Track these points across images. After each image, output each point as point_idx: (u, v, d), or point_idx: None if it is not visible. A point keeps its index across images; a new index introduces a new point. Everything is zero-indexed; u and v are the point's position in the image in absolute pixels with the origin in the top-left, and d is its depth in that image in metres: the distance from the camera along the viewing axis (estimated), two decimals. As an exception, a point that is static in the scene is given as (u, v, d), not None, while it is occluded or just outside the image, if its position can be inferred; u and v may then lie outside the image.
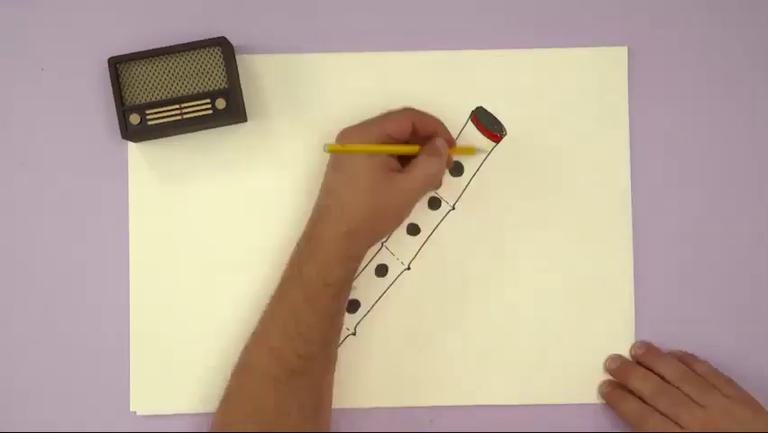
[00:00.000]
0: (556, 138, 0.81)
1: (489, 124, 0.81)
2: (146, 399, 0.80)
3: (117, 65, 0.78)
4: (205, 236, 0.81)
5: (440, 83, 0.81)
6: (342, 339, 0.81)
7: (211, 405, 0.78)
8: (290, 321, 0.72)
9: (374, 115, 0.76)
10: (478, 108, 0.81)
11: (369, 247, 0.75)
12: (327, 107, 0.81)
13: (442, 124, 0.77)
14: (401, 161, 0.76)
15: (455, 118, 0.81)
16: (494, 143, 0.81)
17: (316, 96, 0.81)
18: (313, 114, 0.81)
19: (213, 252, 0.81)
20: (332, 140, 0.76)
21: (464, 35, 0.82)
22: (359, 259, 0.75)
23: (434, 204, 0.81)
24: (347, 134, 0.74)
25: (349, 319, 0.81)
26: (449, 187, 0.81)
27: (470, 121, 0.81)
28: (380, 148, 0.73)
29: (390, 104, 0.79)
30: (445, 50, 0.81)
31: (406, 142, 0.75)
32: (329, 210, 0.73)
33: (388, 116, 0.75)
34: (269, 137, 0.81)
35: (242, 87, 0.80)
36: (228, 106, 0.78)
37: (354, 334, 0.82)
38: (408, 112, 0.75)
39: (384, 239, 0.79)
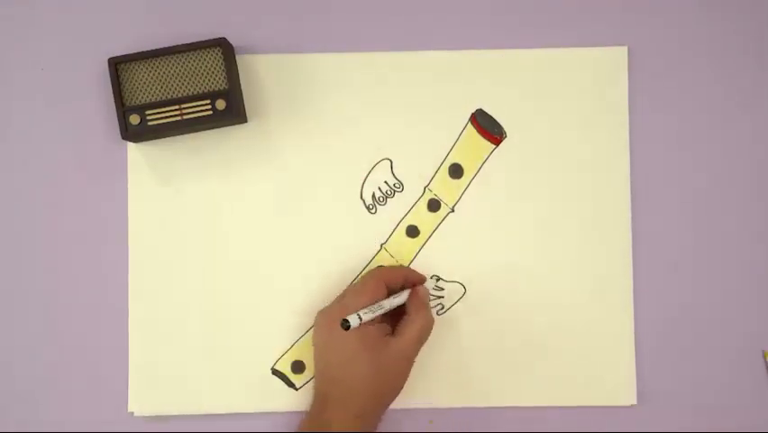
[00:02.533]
0: (556, 138, 0.81)
1: (488, 127, 0.80)
2: (144, 400, 0.80)
3: (117, 65, 0.77)
4: (204, 237, 0.81)
5: (440, 83, 0.81)
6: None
7: (209, 407, 0.79)
8: None
9: (363, 280, 0.77)
10: (478, 111, 0.81)
11: (381, 417, 0.74)
12: (327, 108, 0.81)
13: (410, 270, 0.78)
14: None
15: (455, 119, 0.81)
16: (493, 146, 0.81)
17: (316, 96, 0.81)
18: (313, 114, 0.81)
19: (212, 252, 0.80)
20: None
21: (464, 35, 0.81)
22: (373, 429, 0.74)
23: (434, 206, 0.81)
24: (330, 316, 0.73)
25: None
26: (448, 189, 0.81)
27: (469, 123, 0.81)
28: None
29: (391, 103, 0.81)
30: (445, 51, 0.81)
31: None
32: (334, 395, 0.71)
33: (364, 288, 0.74)
34: (269, 138, 0.81)
35: (242, 87, 0.80)
36: (228, 107, 0.77)
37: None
38: (377, 275, 0.75)
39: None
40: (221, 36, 0.78)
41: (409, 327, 0.72)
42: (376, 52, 0.81)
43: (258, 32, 0.81)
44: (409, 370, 0.73)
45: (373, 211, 0.81)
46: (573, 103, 0.81)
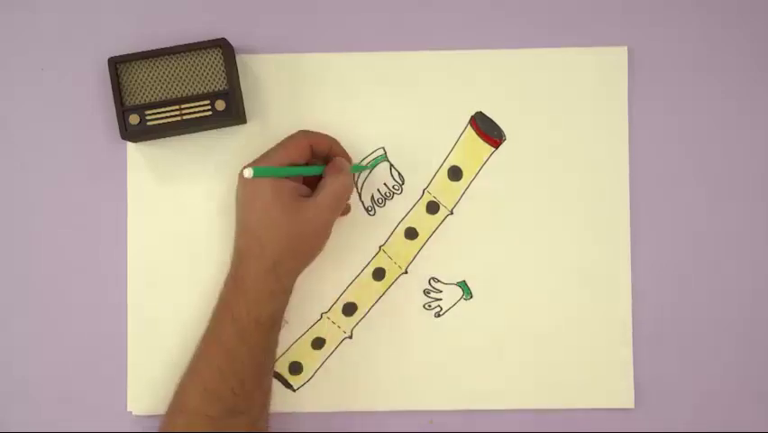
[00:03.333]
0: (555, 140, 0.80)
1: (488, 129, 0.80)
2: (143, 399, 0.80)
3: (117, 65, 0.77)
4: (203, 238, 0.80)
5: (440, 83, 0.80)
6: (338, 342, 0.81)
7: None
8: (224, 361, 0.71)
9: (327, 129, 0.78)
10: (477, 113, 0.80)
11: (296, 277, 0.74)
12: (328, 108, 0.81)
13: (337, 143, 0.78)
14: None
15: (454, 121, 0.81)
16: (493, 148, 0.80)
17: (317, 96, 0.80)
18: (313, 115, 0.81)
19: (211, 253, 0.80)
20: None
21: (464, 35, 0.81)
22: (288, 291, 0.74)
23: (432, 208, 0.80)
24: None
25: (345, 322, 0.81)
26: (447, 191, 0.80)
27: (469, 126, 0.80)
28: (292, 170, 0.73)
29: (391, 104, 0.81)
30: (445, 51, 0.81)
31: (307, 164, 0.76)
32: (249, 248, 0.72)
33: (288, 143, 0.75)
34: (269, 139, 0.79)
35: (242, 87, 0.80)
36: (228, 108, 0.77)
37: (351, 337, 0.81)
38: (304, 134, 0.76)
39: (308, 262, 0.76)
40: (221, 36, 0.77)
41: (324, 189, 0.72)
42: (376, 52, 0.81)
43: (258, 33, 0.81)
44: (325, 234, 0.74)
45: (372, 213, 0.81)
46: (573, 103, 0.80)
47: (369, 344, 0.80)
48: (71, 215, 0.81)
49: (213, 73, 0.78)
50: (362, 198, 0.81)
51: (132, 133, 0.78)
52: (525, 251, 0.80)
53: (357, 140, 0.80)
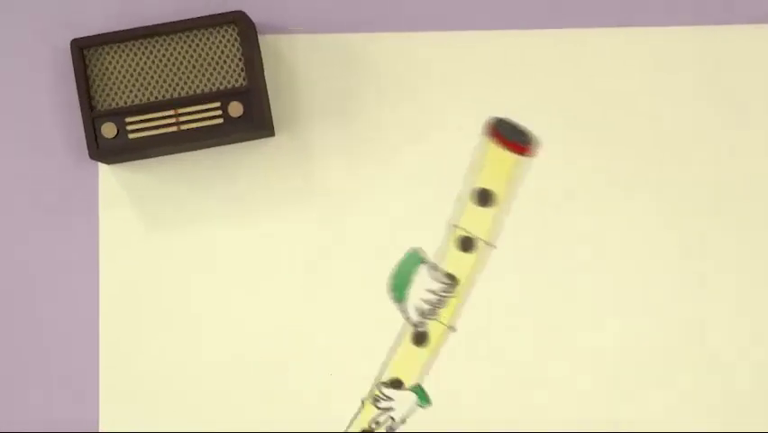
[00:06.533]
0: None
1: (511, 135, 0.71)
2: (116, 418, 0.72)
3: (84, 51, 0.69)
4: (196, 296, 0.71)
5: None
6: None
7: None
8: None
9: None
10: (494, 119, 0.71)
11: None
12: (390, 113, 0.70)
13: None
14: None
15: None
16: (519, 156, 0.71)
17: (375, 92, 0.71)
18: (370, 123, 0.71)
19: (203, 315, 0.70)
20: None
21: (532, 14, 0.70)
22: None
23: (467, 245, 0.72)
24: None
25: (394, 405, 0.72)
26: (478, 220, 0.71)
27: (486, 136, 0.71)
28: None
29: (467, 86, 0.70)
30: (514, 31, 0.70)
31: None
32: None
33: None
34: (305, 157, 0.71)
35: (268, 83, 0.71)
36: (247, 113, 0.68)
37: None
38: None
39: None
40: (237, 10, 0.68)
41: None
42: (451, 32, 0.70)
43: (290, 3, 0.71)
44: None
45: (422, 328, 0.71)
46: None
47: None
48: (28, 261, 0.71)
49: (225, 62, 0.68)
50: (410, 315, 0.72)
51: (106, 151, 0.69)
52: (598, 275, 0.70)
53: (429, 155, 0.70)
